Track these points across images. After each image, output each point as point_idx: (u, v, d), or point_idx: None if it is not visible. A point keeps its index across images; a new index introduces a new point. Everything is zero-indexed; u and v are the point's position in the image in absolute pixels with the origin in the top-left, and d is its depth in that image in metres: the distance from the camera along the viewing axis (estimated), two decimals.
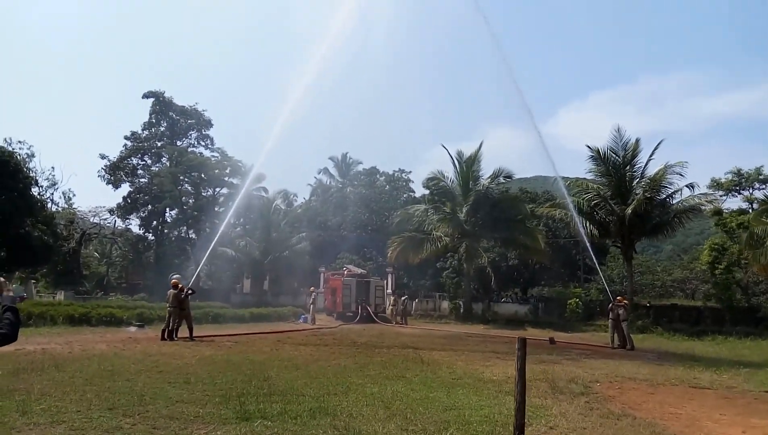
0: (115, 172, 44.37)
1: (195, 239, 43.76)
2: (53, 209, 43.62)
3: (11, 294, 3.41)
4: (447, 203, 35.83)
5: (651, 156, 30.41)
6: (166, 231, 46.28)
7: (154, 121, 46.78)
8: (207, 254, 28.03)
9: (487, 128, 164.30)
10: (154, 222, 45.51)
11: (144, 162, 46.14)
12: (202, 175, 45.03)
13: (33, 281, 41.11)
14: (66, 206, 48.67)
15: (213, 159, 46.73)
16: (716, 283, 33.55)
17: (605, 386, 10.90)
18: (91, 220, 49.45)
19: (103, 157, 44.51)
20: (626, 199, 30.16)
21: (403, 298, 33.13)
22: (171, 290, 17.98)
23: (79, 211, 49.48)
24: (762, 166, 38.42)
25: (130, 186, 45.03)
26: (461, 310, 34.77)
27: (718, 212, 36.94)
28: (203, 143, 48.15)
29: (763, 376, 13.03)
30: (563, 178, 34.64)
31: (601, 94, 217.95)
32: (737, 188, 39.35)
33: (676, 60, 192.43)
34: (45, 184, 44.03)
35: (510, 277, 41.51)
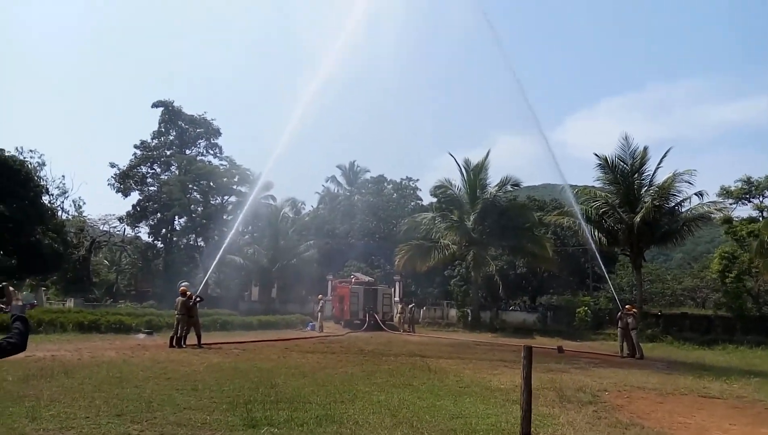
0: (124, 181, 44.82)
1: (203, 247, 44.04)
2: (63, 217, 44.08)
3: (20, 303, 3.44)
4: (454, 211, 35.82)
5: (659, 164, 30.39)
6: (174, 239, 46.60)
7: (163, 130, 47.28)
8: (215, 262, 28.18)
9: (495, 136, 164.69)
10: (163, 230, 45.84)
11: (153, 170, 46.61)
12: (211, 184, 45.39)
13: (43, 288, 41.42)
14: (76, 214, 49.22)
15: (221, 167, 47.13)
16: (727, 292, 33.24)
17: (614, 395, 10.82)
18: (101, 228, 49.91)
19: (113, 165, 45.10)
20: (635, 207, 30.05)
21: (410, 305, 33.08)
22: (179, 298, 18.06)
23: (89, 219, 49.99)
24: None
25: (139, 194, 45.50)
26: (469, 319, 34.67)
27: (728, 220, 36.63)
28: (212, 152, 48.65)
29: None
30: (571, 186, 34.63)
31: (608, 102, 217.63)
32: (747, 196, 39.02)
33: (684, 67, 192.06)
34: (56, 192, 44.64)
35: (518, 286, 41.35)
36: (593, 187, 33.22)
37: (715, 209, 30.89)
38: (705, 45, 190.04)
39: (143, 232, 48.00)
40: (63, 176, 46.17)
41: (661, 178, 30.47)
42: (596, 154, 31.64)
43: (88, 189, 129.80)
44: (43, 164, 41.11)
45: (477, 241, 34.31)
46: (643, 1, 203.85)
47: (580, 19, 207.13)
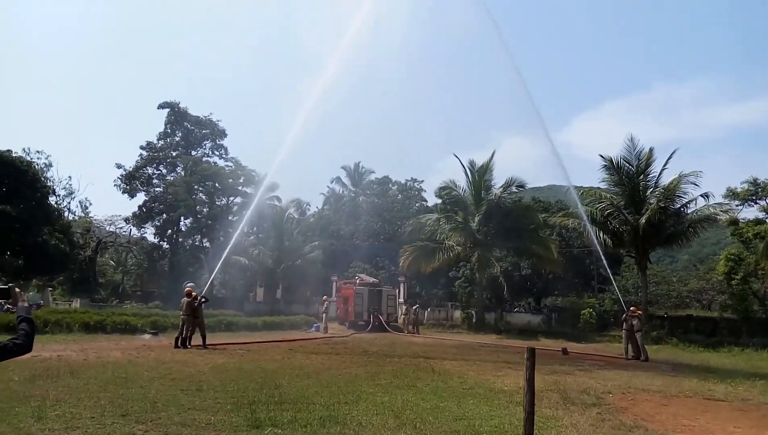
0: (130, 182, 45.01)
1: (209, 248, 44.16)
2: (70, 218, 44.25)
3: (26, 304, 3.47)
4: (459, 212, 35.80)
5: (665, 165, 30.28)
6: (180, 239, 46.76)
7: (169, 131, 47.46)
8: (220, 263, 28.28)
9: (500, 137, 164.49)
10: (169, 231, 46.00)
11: (159, 171, 46.80)
12: (216, 185, 45.51)
13: (50, 289, 41.68)
14: (82, 215, 49.39)
15: (227, 168, 47.25)
16: (732, 294, 33.08)
17: (618, 397, 10.80)
18: (107, 229, 50.17)
19: (119, 166, 45.27)
20: (640, 208, 29.95)
21: (414, 307, 33.10)
22: (184, 298, 18.15)
23: (95, 219, 50.23)
24: None
25: (145, 195, 45.66)
26: (473, 320, 34.64)
27: (734, 222, 36.40)
28: (217, 153, 48.80)
29: None
30: (576, 187, 34.52)
31: (614, 103, 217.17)
32: (753, 198, 38.74)
33: (690, 68, 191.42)
34: (62, 193, 44.76)
35: (523, 287, 41.28)
36: (598, 188, 33.12)
37: (721, 211, 30.73)
38: (711, 46, 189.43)
39: (149, 233, 48.24)
40: (69, 177, 46.58)
41: (666, 179, 30.38)
42: (601, 156, 31.58)
43: (94, 190, 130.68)
44: (50, 165, 41.32)
45: (482, 242, 34.30)
46: (649, 2, 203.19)
47: (586, 20, 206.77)
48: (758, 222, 36.41)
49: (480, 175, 35.39)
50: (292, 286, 43.12)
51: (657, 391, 11.91)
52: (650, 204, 29.63)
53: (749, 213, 38.92)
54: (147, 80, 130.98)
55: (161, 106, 46.96)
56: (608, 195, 31.58)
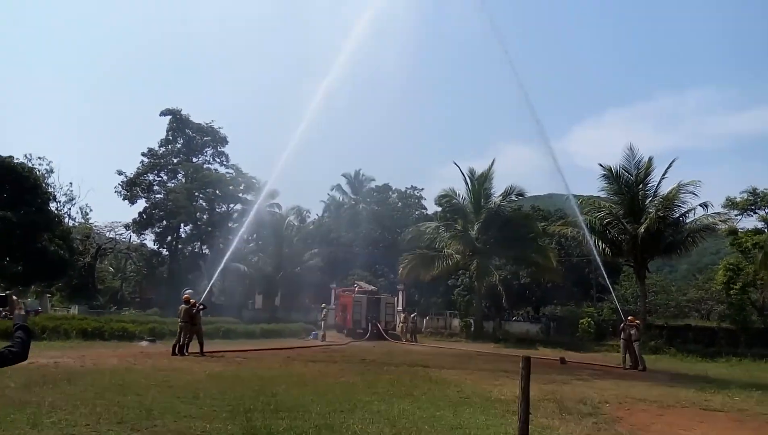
0: (131, 188, 45.14)
1: (208, 255, 44.19)
2: (70, 224, 44.33)
3: (23, 312, 3.50)
4: (458, 221, 35.86)
5: (664, 174, 30.32)
6: (180, 246, 46.82)
7: (170, 138, 47.68)
8: (219, 270, 28.28)
9: (500, 146, 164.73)
10: (169, 237, 46.07)
11: (160, 178, 46.95)
12: (217, 192, 45.63)
13: (48, 295, 41.65)
14: (83, 221, 49.47)
15: (228, 175, 47.42)
16: (731, 304, 33.08)
17: (614, 407, 10.79)
18: (107, 235, 50.20)
19: (120, 173, 45.41)
20: (639, 217, 29.95)
21: (412, 315, 33.07)
22: (183, 305, 18.16)
23: (95, 226, 50.32)
24: None
25: (145, 202, 45.78)
26: (472, 329, 34.59)
27: (733, 232, 36.46)
28: (218, 160, 49.02)
29: None
30: (577, 196, 34.54)
31: (616, 112, 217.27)
32: (753, 208, 38.82)
33: (692, 78, 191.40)
34: (63, 199, 44.86)
35: (522, 296, 41.25)
36: (598, 197, 33.13)
37: (720, 220, 30.69)
38: (713, 56, 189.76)
39: (149, 240, 48.34)
40: (70, 183, 46.41)
41: (665, 188, 30.40)
42: (601, 165, 31.62)
43: (95, 196, 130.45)
44: (51, 171, 41.46)
45: (481, 250, 34.31)
46: (651, 12, 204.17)
47: (589, 29, 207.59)
48: (757, 232, 36.48)
49: (480, 183, 35.47)
50: (291, 293, 43.11)
51: (654, 401, 11.91)
52: (649, 213, 29.62)
53: (748, 223, 38.99)
54: (150, 87, 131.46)
55: (163, 113, 47.24)
56: (607, 204, 31.59)
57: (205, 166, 47.65)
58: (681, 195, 29.60)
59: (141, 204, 45.72)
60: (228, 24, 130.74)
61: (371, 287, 37.07)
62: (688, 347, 27.58)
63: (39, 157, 40.29)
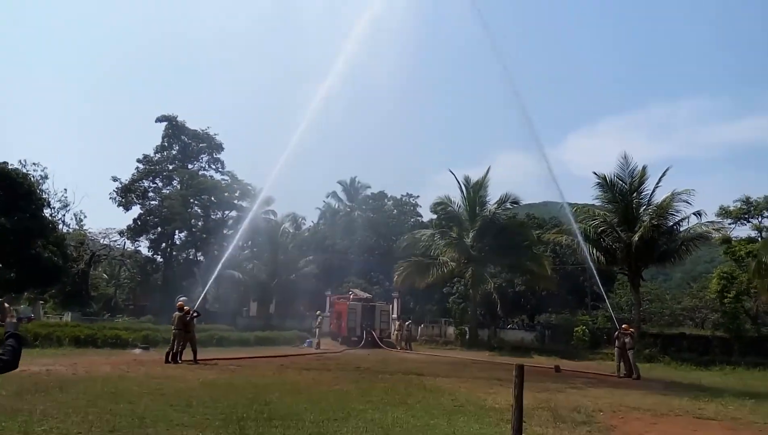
0: (126, 195, 45.04)
1: (203, 261, 44.06)
2: (64, 230, 44.16)
3: (15, 320, 3.49)
4: (454, 228, 35.90)
5: (658, 183, 30.46)
6: (174, 253, 46.67)
7: (166, 144, 47.65)
8: (214, 276, 28.19)
9: (496, 153, 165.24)
10: (163, 244, 45.93)
11: (155, 184, 46.89)
12: (212, 198, 45.58)
13: (41, 302, 41.41)
14: (77, 228, 49.28)
15: (223, 182, 47.40)
16: (725, 312, 33.18)
17: (608, 416, 10.80)
18: (101, 242, 50.00)
19: (115, 179, 45.30)
20: (633, 226, 30.05)
21: (407, 322, 33.03)
22: (176, 312, 18.07)
23: (89, 232, 50.10)
24: None
25: (140, 208, 45.66)
26: (467, 337, 34.57)
27: (726, 240, 36.64)
28: (214, 166, 49.00)
29: None
30: (571, 204, 34.67)
31: (611, 121, 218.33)
32: (746, 216, 39.07)
33: (685, 88, 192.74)
34: (57, 205, 44.72)
35: (517, 304, 41.23)
36: (593, 205, 33.27)
37: (713, 229, 30.84)
38: (707, 66, 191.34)
39: (143, 246, 48.16)
40: (65, 190, 46.34)
41: (659, 197, 30.53)
42: (595, 173, 31.76)
43: (89, 202, 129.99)
44: (46, 177, 41.34)
45: (476, 258, 34.34)
46: (646, 22, 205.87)
47: (584, 39, 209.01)
48: (750, 240, 36.67)
49: (475, 191, 35.56)
50: (286, 300, 42.99)
51: (648, 409, 11.92)
52: (643, 222, 29.73)
53: (742, 231, 39.24)
54: (145, 94, 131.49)
55: (159, 120, 47.19)
56: (602, 212, 31.70)
57: (200, 172, 47.63)
58: (675, 203, 29.76)
59: (136, 210, 45.70)
60: (224, 31, 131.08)
61: (366, 295, 37.02)
62: (682, 356, 27.62)
63: (33, 163, 40.27)
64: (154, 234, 45.31)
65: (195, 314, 18.74)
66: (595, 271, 29.21)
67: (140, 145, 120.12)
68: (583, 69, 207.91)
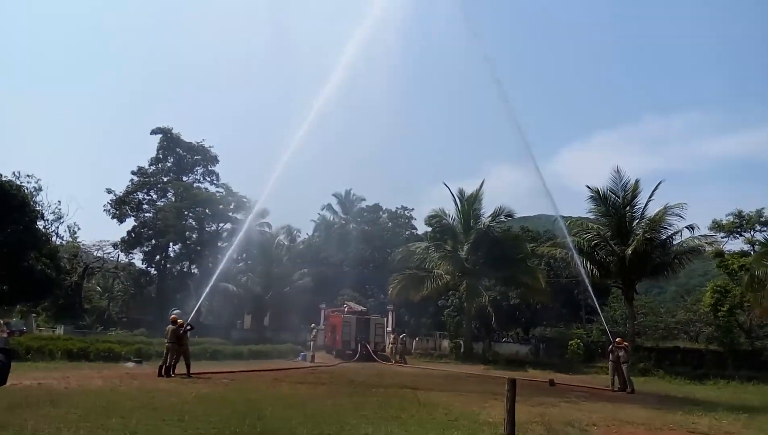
0: (120, 207, 44.90)
1: (197, 274, 43.87)
2: (58, 243, 43.96)
3: (5, 335, 3.48)
4: (448, 241, 35.94)
5: (650, 197, 30.62)
6: (168, 265, 46.46)
7: (161, 156, 47.62)
8: (207, 289, 28.10)
9: (490, 167, 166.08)
10: (157, 256, 45.73)
11: (150, 197, 46.79)
12: (207, 211, 45.49)
13: (34, 315, 41.12)
14: (70, 240, 49.05)
15: (218, 194, 47.32)
16: (718, 326, 33.27)
17: (602, 430, 10.81)
18: (95, 254, 49.76)
19: (109, 191, 45.18)
20: (626, 239, 30.18)
21: (401, 336, 32.95)
22: (170, 326, 17.98)
23: (83, 244, 49.88)
24: (763, 209, 38.51)
25: (134, 220, 45.50)
26: (461, 350, 34.47)
27: (719, 254, 36.86)
28: (209, 179, 48.94)
29: (762, 421, 12.90)
30: (565, 217, 34.78)
31: (604, 134, 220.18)
32: (738, 230, 39.36)
33: (678, 102, 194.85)
34: (51, 217, 44.53)
35: (511, 317, 41.26)
36: (586, 218, 33.40)
37: (706, 243, 31.01)
38: (699, 80, 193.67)
39: (137, 259, 47.94)
40: (59, 202, 46.23)
41: (652, 210, 30.70)
42: (588, 187, 31.90)
43: (83, 214, 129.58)
44: (40, 189, 41.17)
45: (470, 271, 34.37)
46: (638, 36, 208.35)
47: (577, 53, 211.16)
48: (743, 254, 36.91)
49: (469, 204, 35.68)
50: (280, 313, 42.83)
51: (642, 423, 11.94)
52: (636, 235, 29.84)
53: (734, 245, 39.50)
54: (141, 106, 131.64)
55: (154, 132, 47.22)
56: (595, 225, 31.83)
57: (195, 184, 47.57)
58: (667, 217, 29.89)
59: (130, 223, 45.50)
60: (221, 45, 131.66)
61: (361, 308, 36.93)
62: (676, 369, 27.62)
63: (27, 175, 40.06)
64: (148, 246, 45.13)
65: (188, 327, 18.64)
66: (589, 285, 29.25)
67: (135, 158, 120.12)
68: (576, 83, 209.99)
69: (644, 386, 21.87)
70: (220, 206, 45.94)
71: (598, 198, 31.35)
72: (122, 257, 49.47)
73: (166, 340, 17.74)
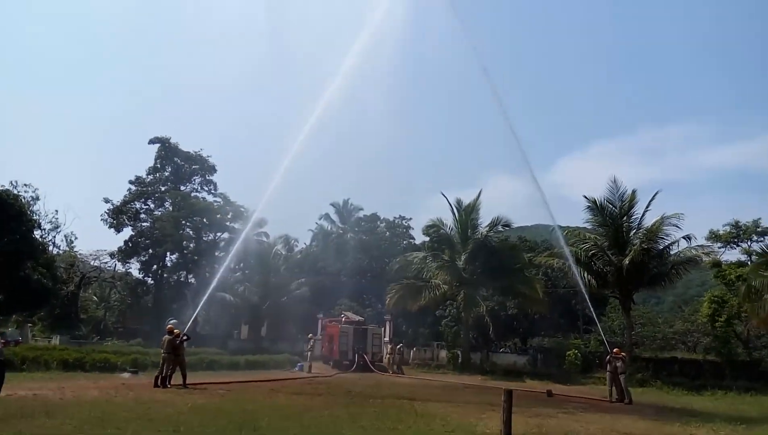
0: (118, 216, 44.89)
1: (194, 284, 43.76)
2: (54, 252, 43.85)
3: (0, 345, 3.50)
4: (446, 251, 35.91)
5: (647, 207, 30.69)
6: (165, 275, 46.36)
7: (159, 166, 47.69)
8: (204, 299, 28.00)
9: (488, 176, 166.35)
10: (154, 266, 45.65)
11: (147, 206, 46.83)
12: (204, 220, 45.50)
13: (30, 325, 40.89)
14: (67, 249, 48.94)
15: (215, 204, 47.34)
16: (716, 336, 33.25)
17: None
18: (92, 264, 49.64)
19: (107, 201, 45.16)
20: (623, 249, 30.20)
21: (398, 346, 32.86)
22: (166, 336, 17.92)
23: (80, 254, 49.77)
24: (760, 219, 38.62)
25: (132, 230, 45.47)
26: (459, 360, 34.36)
27: (717, 264, 36.93)
28: (206, 188, 49.01)
29: (760, 432, 12.92)
30: (563, 227, 34.82)
31: (601, 145, 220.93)
32: (735, 240, 39.46)
33: (675, 113, 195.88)
34: (48, 226, 44.46)
35: (509, 327, 41.14)
36: (584, 228, 33.42)
37: (703, 253, 31.04)
38: (696, 91, 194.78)
39: (134, 268, 47.80)
40: (56, 211, 46.09)
41: (649, 221, 30.73)
42: (585, 197, 31.95)
43: (81, 224, 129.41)
44: (37, 198, 41.09)
45: (468, 281, 34.34)
46: (635, 47, 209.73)
47: (574, 63, 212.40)
48: (740, 264, 36.95)
49: (467, 213, 35.69)
50: (278, 323, 42.66)
51: (639, 434, 11.92)
52: (633, 245, 29.86)
53: (731, 255, 39.57)
54: (138, 115, 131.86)
55: (152, 142, 47.29)
56: (592, 236, 31.84)
57: (192, 194, 47.59)
58: (664, 227, 29.92)
59: (127, 232, 45.45)
60: (219, 53, 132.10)
61: (358, 318, 36.83)
62: (674, 380, 27.53)
63: (25, 184, 39.99)
64: (145, 256, 45.04)
65: (185, 338, 18.57)
66: (586, 295, 29.23)
67: (133, 167, 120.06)
68: (574, 94, 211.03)
69: (642, 397, 21.82)
70: (218, 216, 45.94)
71: (596, 208, 31.43)
72: (119, 267, 49.35)
73: (162, 351, 17.68)
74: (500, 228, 35.75)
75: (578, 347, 34.53)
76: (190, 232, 46.08)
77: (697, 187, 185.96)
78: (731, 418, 15.30)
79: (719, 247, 38.92)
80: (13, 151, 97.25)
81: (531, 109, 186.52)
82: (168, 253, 45.32)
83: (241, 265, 44.78)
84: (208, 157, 48.57)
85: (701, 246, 31.67)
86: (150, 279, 46.79)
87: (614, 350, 21.34)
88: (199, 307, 28.94)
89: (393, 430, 10.65)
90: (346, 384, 21.70)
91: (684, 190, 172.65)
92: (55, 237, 46.41)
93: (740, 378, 27.85)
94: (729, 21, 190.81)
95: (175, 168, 47.97)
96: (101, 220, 44.92)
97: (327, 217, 60.65)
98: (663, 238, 30.16)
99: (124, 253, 45.09)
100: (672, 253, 30.57)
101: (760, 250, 37.37)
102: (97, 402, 12.57)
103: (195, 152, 48.14)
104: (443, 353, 37.92)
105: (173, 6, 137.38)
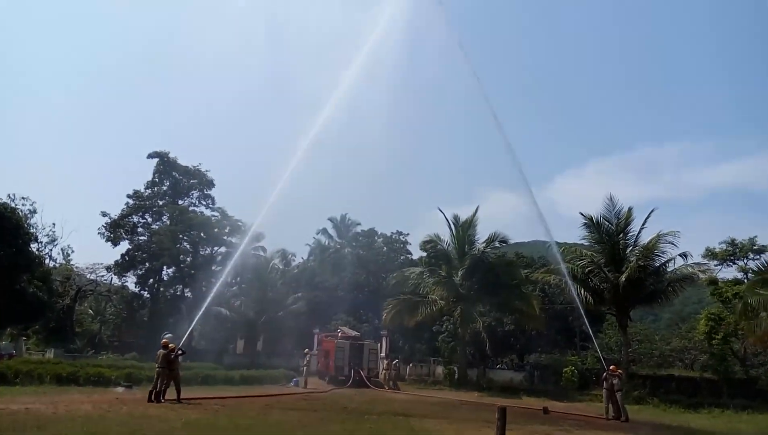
0: (115, 230, 44.79)
1: (190, 298, 43.60)
2: (51, 265, 43.67)
3: None
4: (443, 266, 35.91)
5: (643, 224, 30.86)
6: (161, 289, 46.22)
7: (157, 180, 47.74)
8: (200, 313, 27.90)
9: (485, 192, 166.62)
10: (151, 280, 45.50)
11: (145, 220, 46.73)
12: (202, 234, 45.43)
13: (24, 338, 40.67)
14: (64, 262, 48.76)
15: (213, 218, 47.30)
16: (713, 354, 33.16)
17: None
18: (88, 277, 49.42)
19: (104, 214, 45.12)
20: (620, 266, 30.27)
21: (394, 362, 32.71)
22: (161, 350, 17.85)
23: (76, 267, 49.55)
24: (756, 237, 38.77)
25: (129, 243, 45.34)
26: (456, 376, 34.18)
27: (713, 282, 36.95)
28: (204, 202, 48.95)
29: None
30: (560, 243, 34.82)
31: (598, 162, 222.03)
32: (732, 258, 39.54)
33: (672, 131, 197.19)
34: (45, 240, 44.34)
35: (506, 343, 41.00)
36: (581, 245, 33.50)
37: (699, 271, 31.10)
38: (693, 110, 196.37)
39: (130, 282, 47.59)
40: (53, 224, 45.96)
41: (645, 238, 30.85)
42: (582, 214, 32.12)
43: (77, 237, 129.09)
44: (34, 211, 41.05)
45: (465, 296, 34.30)
46: (634, 65, 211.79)
47: (572, 81, 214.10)
48: (737, 282, 37.00)
49: (464, 229, 35.77)
50: (274, 338, 42.45)
51: None
52: (630, 262, 29.93)
53: (728, 273, 39.63)
54: (137, 129, 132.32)
55: (150, 156, 47.38)
56: (589, 252, 31.90)
57: (190, 208, 47.56)
58: (661, 244, 30.04)
59: (124, 246, 45.31)
60: (219, 69, 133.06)
61: (355, 333, 36.69)
62: (670, 397, 27.42)
63: (22, 198, 40.00)
64: (141, 269, 44.89)
65: (180, 352, 18.50)
66: (583, 311, 29.19)
67: (131, 181, 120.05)
68: (571, 111, 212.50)
69: (639, 415, 21.74)
70: (215, 230, 45.90)
71: (592, 225, 31.55)
72: (115, 280, 49.14)
73: (156, 365, 17.60)
74: (497, 244, 35.79)
75: (575, 364, 34.39)
76: (187, 246, 45.99)
77: (693, 204, 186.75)
78: None
79: (716, 265, 39.00)
80: (11, 164, 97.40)
81: (529, 126, 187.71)
82: (165, 267, 45.20)
83: (238, 279, 44.63)
84: (206, 171, 48.68)
85: (698, 263, 31.77)
86: (146, 293, 46.61)
87: (611, 367, 21.29)
88: (194, 322, 28.82)
89: None
90: (341, 400, 21.59)
91: (680, 207, 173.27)
92: (51, 250, 46.32)
93: (737, 396, 27.73)
94: (728, 40, 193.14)
95: (174, 182, 48.02)
96: (98, 233, 44.85)
97: (324, 231, 60.64)
98: (659, 256, 30.31)
99: (121, 267, 44.93)
100: (668, 270, 30.65)
101: (756, 268, 37.43)
102: (90, 417, 12.49)
103: (193, 166, 48.23)
104: (440, 369, 37.72)
105: (173, 23, 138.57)
